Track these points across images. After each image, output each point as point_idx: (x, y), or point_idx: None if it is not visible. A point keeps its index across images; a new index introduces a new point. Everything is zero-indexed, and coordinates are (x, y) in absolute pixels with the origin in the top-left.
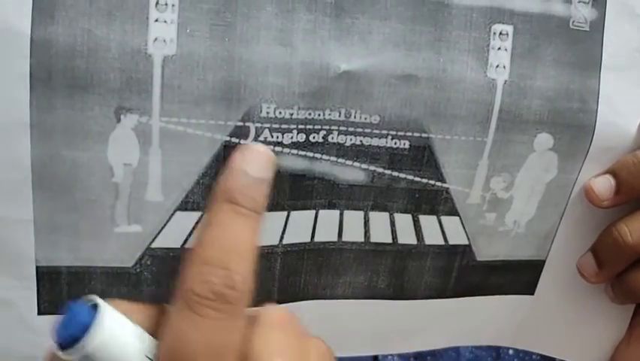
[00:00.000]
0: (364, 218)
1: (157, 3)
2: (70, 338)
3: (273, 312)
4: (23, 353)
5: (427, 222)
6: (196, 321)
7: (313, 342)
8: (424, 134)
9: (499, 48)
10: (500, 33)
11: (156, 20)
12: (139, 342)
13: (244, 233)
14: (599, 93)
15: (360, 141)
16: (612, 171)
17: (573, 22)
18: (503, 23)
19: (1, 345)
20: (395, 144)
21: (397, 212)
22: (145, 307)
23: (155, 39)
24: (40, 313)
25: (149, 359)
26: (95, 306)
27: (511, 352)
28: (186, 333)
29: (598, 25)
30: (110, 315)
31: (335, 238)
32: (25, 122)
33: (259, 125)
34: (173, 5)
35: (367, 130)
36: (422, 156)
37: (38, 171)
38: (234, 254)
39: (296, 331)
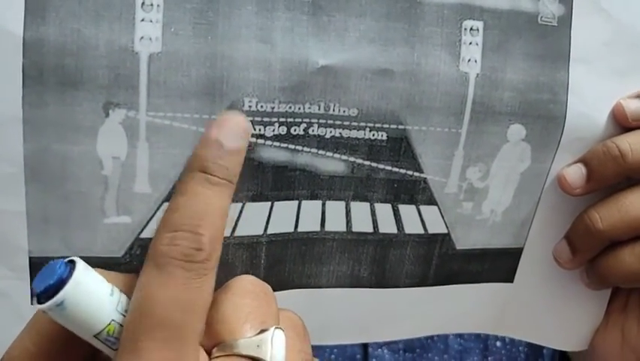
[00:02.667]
0: (346, 208)
1: (143, 3)
2: (46, 290)
3: (246, 280)
4: None
5: (407, 211)
6: (165, 280)
7: (285, 313)
8: (400, 126)
9: (470, 43)
10: (471, 29)
11: (142, 20)
12: (113, 298)
13: (215, 200)
14: (568, 85)
15: (340, 133)
16: (583, 160)
17: (541, 17)
18: (474, 19)
19: None
20: (373, 135)
21: (377, 202)
22: (121, 274)
23: (142, 38)
24: (32, 303)
25: (122, 314)
26: (72, 263)
27: (498, 344)
28: (156, 291)
29: (565, 20)
30: (86, 272)
31: (318, 228)
32: (18, 118)
33: None
34: (158, 5)
35: (346, 122)
36: (400, 147)
37: (30, 164)
38: (204, 219)
39: (268, 299)
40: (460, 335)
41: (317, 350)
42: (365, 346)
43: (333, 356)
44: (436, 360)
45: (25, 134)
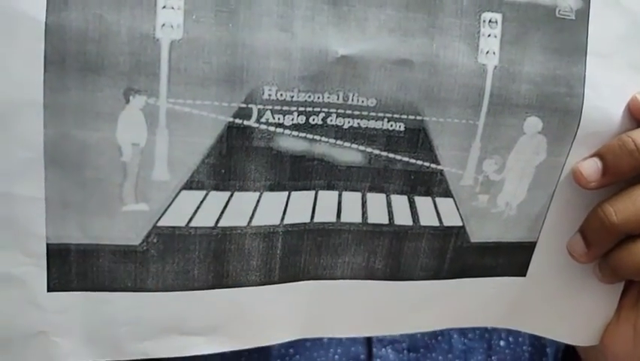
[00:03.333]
0: (362, 199)
1: None
2: None
3: None
4: (33, 330)
5: (423, 203)
6: None
7: None
8: (418, 117)
9: (489, 35)
10: (490, 21)
11: (164, 7)
12: None
13: None
14: (585, 79)
15: (358, 124)
16: (599, 154)
17: (559, 11)
18: (492, 11)
19: (11, 321)
20: (391, 126)
21: (394, 193)
22: None
23: (163, 24)
24: (49, 290)
25: None
26: None
27: (502, 343)
28: None
29: (583, 14)
30: None
31: (334, 219)
32: (39, 103)
33: (261, 107)
34: None
35: (364, 113)
36: (417, 139)
37: (50, 150)
38: None
39: None
40: (464, 335)
41: (320, 349)
42: (369, 346)
43: (337, 357)
44: (440, 360)
45: (45, 120)
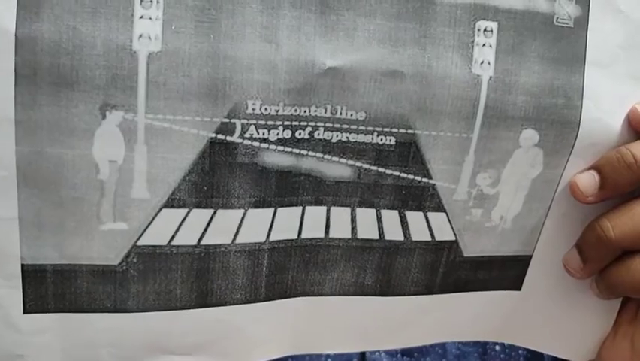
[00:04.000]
0: (351, 214)
1: (142, 0)
2: None
3: None
4: (9, 353)
5: (414, 218)
6: None
7: None
8: (409, 131)
9: (483, 44)
10: (485, 29)
11: (141, 17)
12: None
13: None
14: (583, 89)
15: (347, 138)
16: (596, 167)
17: (557, 18)
18: (487, 20)
19: None
20: (381, 140)
21: (384, 208)
22: None
23: (140, 36)
24: (25, 312)
25: None
26: None
27: (497, 348)
28: None
29: (582, 22)
30: None
31: (322, 235)
32: (10, 119)
33: (245, 121)
34: (158, 2)
35: (353, 126)
36: (408, 153)
37: (23, 168)
38: None
39: None
40: None
41: (312, 353)
42: (362, 351)
43: (329, 360)
44: None
45: (17, 137)
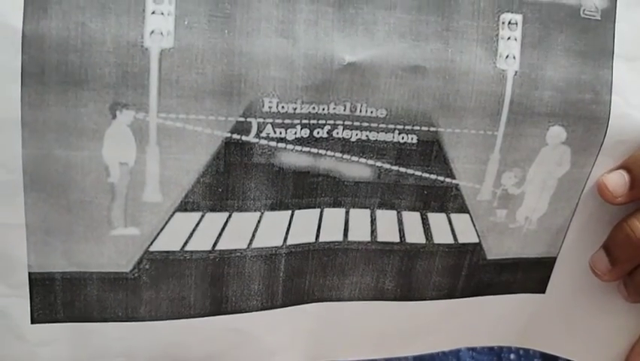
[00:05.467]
0: (371, 216)
1: None
2: None
3: None
4: None
5: (436, 220)
6: None
7: None
8: (432, 128)
9: (508, 38)
10: (509, 22)
11: (153, 12)
12: None
13: None
14: (611, 84)
15: (367, 136)
16: (626, 166)
17: (584, 10)
18: (512, 12)
19: None
20: (402, 138)
21: (405, 210)
22: None
23: (152, 32)
24: (33, 322)
25: None
26: None
27: (512, 356)
28: None
29: (609, 14)
30: None
31: (340, 238)
32: (17, 120)
33: (261, 120)
34: None
35: (373, 125)
36: (430, 151)
37: (30, 171)
38: None
39: None
40: (472, 348)
41: None
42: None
43: None
44: None
45: (24, 139)
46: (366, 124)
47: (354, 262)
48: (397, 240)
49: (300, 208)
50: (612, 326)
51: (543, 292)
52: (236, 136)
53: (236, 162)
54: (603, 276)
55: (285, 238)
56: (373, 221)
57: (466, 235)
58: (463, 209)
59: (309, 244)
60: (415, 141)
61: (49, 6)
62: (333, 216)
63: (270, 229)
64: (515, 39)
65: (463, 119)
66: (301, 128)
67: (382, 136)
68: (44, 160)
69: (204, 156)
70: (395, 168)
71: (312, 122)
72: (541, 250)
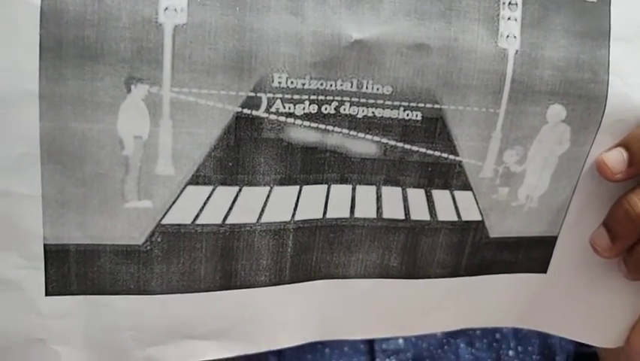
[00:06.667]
0: (377, 193)
1: None
2: None
3: None
4: (29, 337)
5: (441, 197)
6: None
7: None
8: (436, 105)
9: (509, 18)
10: (509, 3)
11: None
12: None
13: None
14: (609, 64)
15: (373, 113)
16: (624, 144)
17: None
18: None
19: (8, 328)
20: (407, 115)
21: (410, 187)
22: None
23: (166, 8)
24: (47, 294)
25: None
26: None
27: (511, 353)
28: None
29: None
30: None
31: (347, 214)
32: (34, 94)
33: (271, 95)
34: None
35: (379, 101)
36: (435, 128)
37: (47, 144)
38: None
39: None
40: (471, 345)
41: (320, 359)
42: (372, 356)
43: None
44: None
45: (41, 112)
46: (372, 101)
47: (360, 239)
48: (402, 217)
49: (308, 184)
50: (613, 305)
51: (545, 271)
52: (246, 111)
53: (247, 136)
54: (603, 253)
55: (294, 214)
56: (379, 198)
57: (470, 212)
58: (466, 186)
59: (317, 220)
60: (419, 117)
61: None
62: (340, 193)
63: (278, 203)
64: (515, 19)
65: (466, 96)
66: (309, 104)
67: (388, 113)
68: (61, 133)
69: (216, 130)
70: (400, 144)
71: (320, 98)
72: (542, 228)
